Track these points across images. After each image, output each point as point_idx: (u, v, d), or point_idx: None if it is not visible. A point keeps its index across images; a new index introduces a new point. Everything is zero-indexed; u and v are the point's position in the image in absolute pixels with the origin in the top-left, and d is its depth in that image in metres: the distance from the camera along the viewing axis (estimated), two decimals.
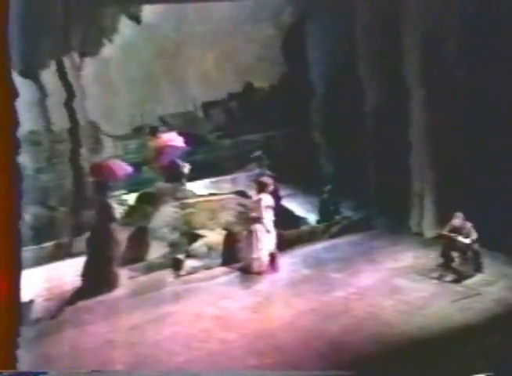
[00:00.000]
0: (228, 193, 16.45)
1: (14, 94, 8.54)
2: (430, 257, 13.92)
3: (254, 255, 13.85)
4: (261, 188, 14.29)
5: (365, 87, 16.22)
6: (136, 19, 17.04)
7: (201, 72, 18.84)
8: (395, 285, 12.98)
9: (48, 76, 16.19)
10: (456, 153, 14.54)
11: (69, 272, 13.68)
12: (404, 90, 15.06)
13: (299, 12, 18.53)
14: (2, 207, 8.54)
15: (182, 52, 18.76)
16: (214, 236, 14.82)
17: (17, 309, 8.95)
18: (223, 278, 13.80)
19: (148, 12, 17.46)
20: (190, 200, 15.79)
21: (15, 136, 8.60)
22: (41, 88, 16.17)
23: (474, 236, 13.16)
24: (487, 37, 13.75)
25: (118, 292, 13.14)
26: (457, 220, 13.31)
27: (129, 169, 15.63)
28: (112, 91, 17.25)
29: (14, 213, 8.67)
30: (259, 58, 19.24)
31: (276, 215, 14.22)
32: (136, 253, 14.36)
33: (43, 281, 13.46)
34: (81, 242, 14.09)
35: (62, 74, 16.38)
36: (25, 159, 14.93)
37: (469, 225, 13.23)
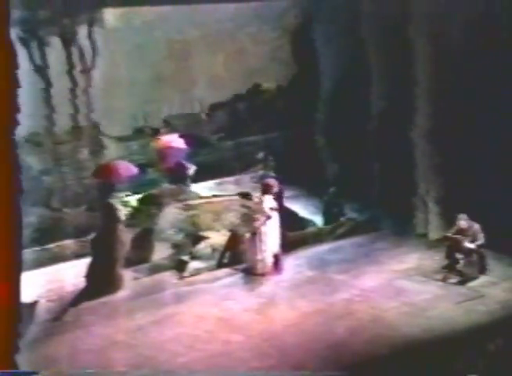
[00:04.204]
0: (232, 195, 16.44)
1: (15, 89, 8.52)
2: (435, 259, 13.92)
3: (258, 257, 13.84)
4: (266, 190, 14.29)
5: (371, 88, 16.20)
6: None
7: (208, 74, 18.83)
8: (399, 287, 12.98)
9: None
10: (461, 155, 14.51)
11: (73, 273, 13.68)
12: (410, 92, 15.04)
13: (304, 13, 18.52)
14: (3, 208, 8.53)
15: (189, 53, 18.75)
16: (218, 238, 14.81)
17: (18, 310, 8.93)
18: (227, 279, 13.79)
19: (152, 13, 17.50)
20: (194, 202, 15.79)
21: (16, 137, 8.59)
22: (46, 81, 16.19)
23: (481, 240, 13.13)
24: (495, 37, 13.74)
25: (122, 293, 13.14)
26: (462, 221, 13.28)
27: (134, 170, 15.63)
28: (116, 92, 17.24)
29: (15, 214, 8.65)
30: (268, 59, 19.24)
31: (281, 216, 14.21)
32: (140, 254, 14.36)
33: (47, 282, 13.46)
34: (85, 243, 14.11)
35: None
36: (29, 160, 15.02)
37: (476, 226, 13.19)
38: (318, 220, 16.56)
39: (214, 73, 18.97)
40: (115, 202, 14.04)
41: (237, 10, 18.47)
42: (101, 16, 16.59)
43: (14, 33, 9.00)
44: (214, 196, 16.57)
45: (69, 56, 16.45)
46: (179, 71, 18.61)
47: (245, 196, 16.13)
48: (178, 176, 16.32)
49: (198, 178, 16.88)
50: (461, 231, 13.28)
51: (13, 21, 8.41)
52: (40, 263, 13.71)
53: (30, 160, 15.65)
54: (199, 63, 18.77)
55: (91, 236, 13.85)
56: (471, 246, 13.13)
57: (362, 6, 16.00)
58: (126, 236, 13.92)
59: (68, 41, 16.37)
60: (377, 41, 15.87)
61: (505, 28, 13.70)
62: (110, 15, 16.75)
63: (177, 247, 14.74)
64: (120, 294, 13.10)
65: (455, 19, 14.23)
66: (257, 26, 19.14)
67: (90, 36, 16.64)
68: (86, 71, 16.67)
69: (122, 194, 15.99)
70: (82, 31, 16.53)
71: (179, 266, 14.19)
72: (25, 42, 15.61)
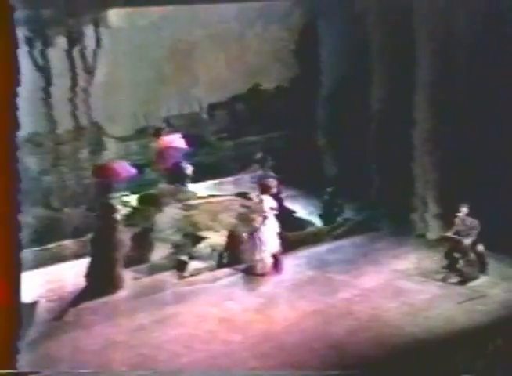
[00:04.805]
0: (231, 195, 16.44)
1: (16, 89, 8.51)
2: (434, 259, 13.92)
3: (258, 257, 13.84)
4: (265, 190, 14.30)
5: (371, 89, 16.21)
6: None
7: (211, 74, 18.84)
8: (399, 287, 13.00)
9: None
10: (460, 156, 14.52)
11: (73, 273, 13.67)
12: (410, 92, 15.04)
13: (309, 14, 18.54)
14: (2, 208, 8.52)
15: (192, 53, 18.77)
16: (217, 238, 14.81)
17: (18, 311, 8.92)
18: (227, 280, 13.78)
19: (156, 13, 17.50)
20: (193, 202, 15.79)
21: (15, 137, 8.57)
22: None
23: (473, 236, 13.13)
24: (496, 42, 13.77)
25: (122, 293, 13.12)
26: (464, 209, 13.26)
27: (132, 170, 15.62)
28: (117, 92, 17.22)
29: (14, 215, 8.65)
30: (270, 59, 19.24)
31: (280, 216, 14.21)
32: (140, 254, 14.36)
33: (47, 282, 13.45)
34: (84, 243, 14.11)
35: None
36: (28, 161, 15.01)
37: (473, 221, 13.20)
38: (317, 220, 16.55)
39: (216, 73, 18.95)
40: (113, 202, 14.04)
41: (241, 10, 18.48)
42: (105, 17, 16.58)
43: (20, 32, 8.97)
44: (213, 196, 16.57)
45: (73, 56, 16.44)
46: (181, 71, 18.60)
47: (244, 196, 16.13)
48: (176, 176, 16.31)
49: (197, 178, 16.87)
50: (460, 219, 13.28)
51: (20, 20, 8.39)
52: (40, 263, 13.70)
53: (30, 161, 15.64)
54: (201, 63, 18.77)
55: (91, 235, 13.83)
56: (469, 242, 13.15)
57: (365, 6, 16.02)
58: (125, 235, 13.92)
59: (74, 41, 16.36)
60: (380, 41, 15.89)
61: (508, 27, 13.72)
62: (114, 15, 16.73)
63: (177, 247, 14.74)
64: (121, 294, 13.09)
65: (458, 19, 14.26)
66: (261, 26, 19.15)
67: (95, 36, 16.63)
68: (90, 71, 16.66)
69: (121, 194, 15.98)
70: (88, 31, 16.51)
71: (179, 266, 14.19)
72: (31, 42, 15.62)
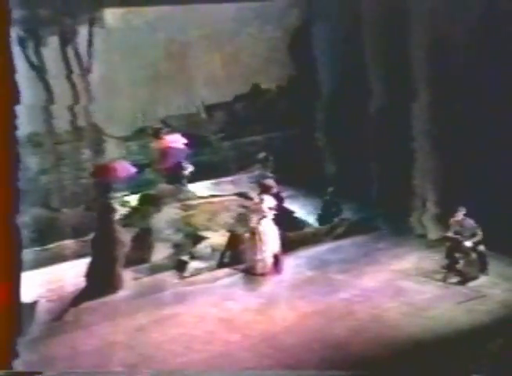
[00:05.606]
0: (231, 195, 16.43)
1: (15, 90, 8.52)
2: (435, 259, 13.91)
3: (258, 257, 13.84)
4: (264, 190, 14.30)
5: (370, 89, 16.20)
6: None
7: (208, 74, 18.83)
8: (399, 287, 12.99)
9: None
10: (460, 156, 14.51)
11: (73, 273, 13.68)
12: (408, 92, 15.04)
13: (305, 14, 18.56)
14: (2, 209, 8.54)
15: (189, 53, 18.75)
16: (217, 238, 14.81)
17: (18, 310, 8.94)
18: (227, 280, 13.79)
19: (152, 13, 17.49)
20: (192, 202, 15.78)
21: (15, 137, 8.58)
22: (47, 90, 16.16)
23: (478, 236, 13.12)
24: (493, 39, 13.76)
25: (122, 293, 13.15)
26: (460, 213, 13.25)
27: (133, 170, 15.61)
28: (115, 92, 17.20)
29: (14, 215, 8.66)
30: (268, 59, 19.24)
31: (280, 216, 14.20)
32: (140, 254, 14.35)
33: (46, 283, 13.46)
34: (85, 243, 14.11)
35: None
36: (28, 160, 15.00)
37: (472, 222, 13.18)
38: (316, 220, 16.54)
39: (214, 73, 18.94)
40: (112, 202, 14.03)
41: (237, 10, 18.47)
42: (101, 16, 16.57)
43: (14, 32, 8.96)
44: (213, 196, 16.56)
45: (68, 56, 16.42)
46: (179, 71, 18.58)
47: (243, 196, 16.13)
48: (175, 176, 16.32)
49: (196, 178, 16.86)
50: (458, 223, 13.26)
51: (13, 20, 8.37)
52: (40, 263, 13.71)
53: (30, 161, 15.64)
54: (199, 64, 18.76)
55: (91, 236, 13.83)
56: (470, 244, 13.13)
57: (361, 6, 16.02)
58: (125, 236, 13.93)
59: (68, 40, 16.35)
60: (377, 40, 15.87)
61: (504, 29, 13.72)
62: (110, 15, 16.73)
63: (177, 247, 14.74)
64: (121, 294, 13.11)
65: (454, 20, 14.26)
66: (257, 26, 19.15)
67: (90, 36, 16.62)
68: (85, 71, 16.64)
69: (120, 194, 15.97)
70: (82, 31, 16.50)
71: (179, 266, 14.19)
72: (24, 41, 15.60)
